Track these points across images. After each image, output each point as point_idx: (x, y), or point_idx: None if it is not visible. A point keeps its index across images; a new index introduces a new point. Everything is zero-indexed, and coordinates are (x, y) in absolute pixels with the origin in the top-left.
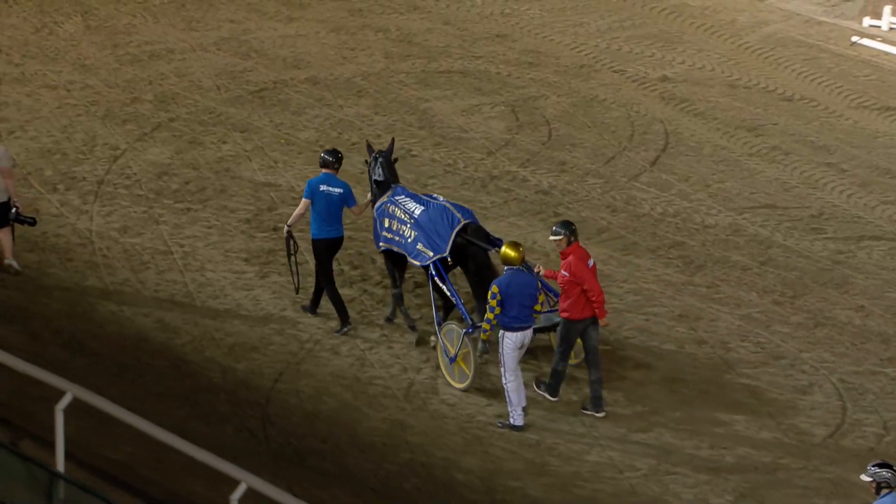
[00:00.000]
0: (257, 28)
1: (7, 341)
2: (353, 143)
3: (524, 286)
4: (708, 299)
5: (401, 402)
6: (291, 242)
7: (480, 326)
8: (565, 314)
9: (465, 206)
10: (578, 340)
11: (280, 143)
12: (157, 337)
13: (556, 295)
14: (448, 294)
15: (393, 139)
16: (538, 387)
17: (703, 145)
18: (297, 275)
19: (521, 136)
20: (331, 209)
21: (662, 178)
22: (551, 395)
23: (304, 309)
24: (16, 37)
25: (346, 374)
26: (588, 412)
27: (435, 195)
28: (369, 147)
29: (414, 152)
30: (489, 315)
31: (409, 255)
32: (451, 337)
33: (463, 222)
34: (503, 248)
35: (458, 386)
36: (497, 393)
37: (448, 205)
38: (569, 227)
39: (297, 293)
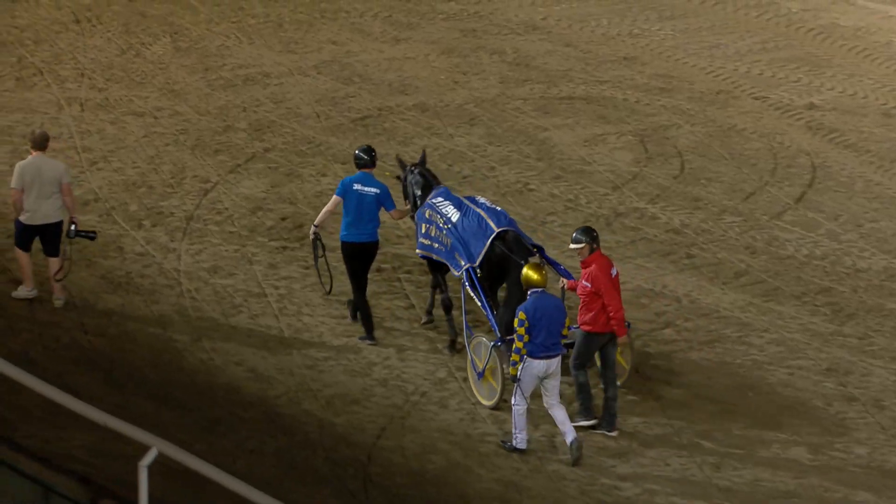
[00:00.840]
0: (361, 50)
1: (88, 391)
2: (465, 177)
3: (551, 310)
4: (859, 352)
5: (515, 461)
6: (318, 244)
7: (509, 352)
8: (586, 327)
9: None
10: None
11: (385, 176)
12: (249, 388)
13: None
14: (479, 305)
15: (424, 150)
16: (574, 419)
17: (855, 180)
18: (330, 276)
19: (650, 169)
20: (362, 210)
21: (808, 216)
22: (588, 419)
23: (361, 339)
24: (100, 59)
25: (454, 429)
26: (600, 431)
27: (478, 198)
28: (401, 162)
29: (531, 186)
30: (518, 344)
31: (448, 263)
32: (479, 351)
33: (496, 230)
34: (525, 271)
35: (486, 403)
36: (623, 453)
37: (483, 211)
38: (590, 235)
39: (328, 293)
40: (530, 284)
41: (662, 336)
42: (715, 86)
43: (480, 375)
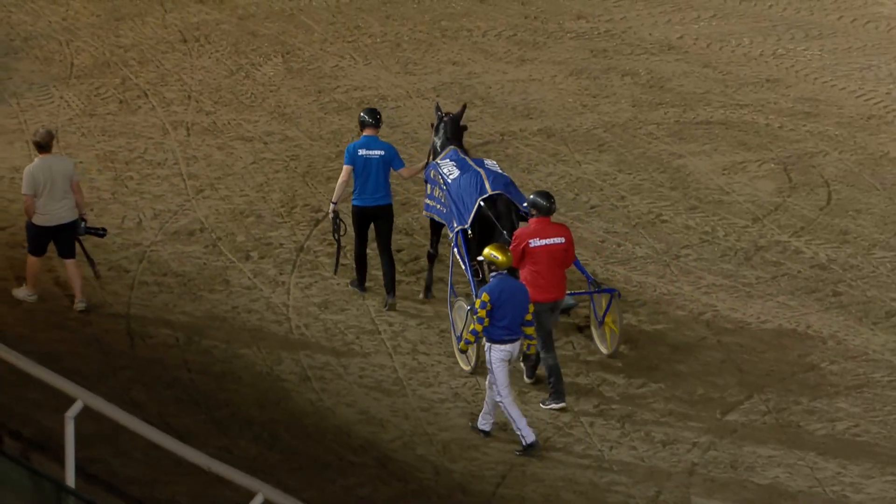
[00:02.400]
0: (483, 71)
1: (190, 432)
2: (593, 207)
3: (517, 293)
4: None
5: None
6: (339, 222)
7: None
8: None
9: (505, 175)
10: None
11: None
12: (361, 431)
13: (589, 277)
14: (464, 268)
15: (465, 105)
16: (543, 404)
17: None
18: (337, 257)
19: (793, 200)
20: (370, 174)
21: None
22: (558, 402)
23: (352, 284)
24: (207, 81)
25: (579, 478)
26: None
27: (487, 161)
28: (438, 108)
29: (664, 217)
30: (476, 326)
31: (447, 225)
32: (460, 314)
33: (489, 193)
34: (487, 250)
35: (465, 368)
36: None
37: (483, 172)
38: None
39: (335, 274)
40: (496, 265)
41: (805, 380)
42: (865, 110)
43: (459, 339)
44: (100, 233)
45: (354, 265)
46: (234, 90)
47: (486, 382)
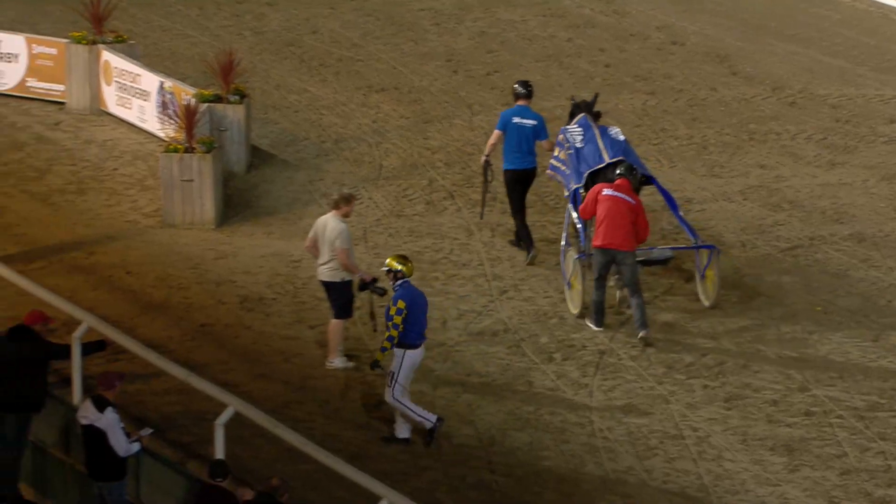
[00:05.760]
0: (792, 175)
1: None
2: None
3: (421, 298)
4: None
5: None
6: (488, 171)
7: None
8: None
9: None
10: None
11: (815, 311)
12: None
13: (691, 231)
14: (576, 224)
15: (597, 94)
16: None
17: None
18: (485, 203)
19: None
20: (522, 141)
21: None
22: (596, 326)
23: (512, 243)
24: None
25: None
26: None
27: (610, 128)
28: (573, 98)
29: None
30: (393, 332)
31: (565, 185)
32: (567, 263)
33: (607, 161)
34: (389, 260)
35: (573, 311)
36: None
37: (602, 140)
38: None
39: (481, 218)
40: (401, 273)
41: None
42: None
43: (568, 285)
44: (379, 291)
45: (515, 227)
46: (539, 192)
47: (394, 402)
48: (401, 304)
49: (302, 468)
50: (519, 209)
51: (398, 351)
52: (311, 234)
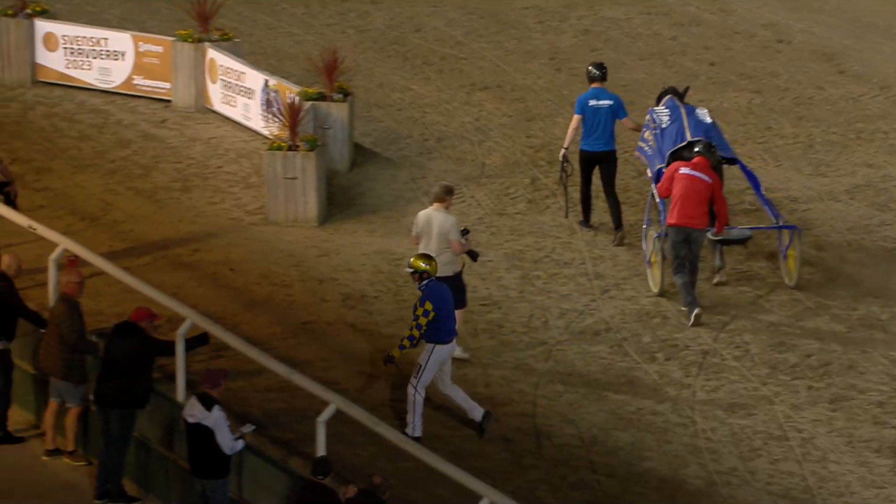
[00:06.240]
0: None
1: None
2: None
3: (448, 294)
4: None
5: None
6: (565, 165)
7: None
8: None
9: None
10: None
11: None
12: None
13: (774, 211)
14: (657, 201)
15: (688, 87)
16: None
17: None
18: (567, 200)
19: None
20: (598, 122)
21: None
22: (691, 310)
23: (580, 223)
24: (617, 182)
25: None
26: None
27: (698, 109)
28: (664, 85)
29: None
30: (415, 332)
31: (650, 166)
32: (648, 241)
33: (688, 140)
34: (413, 260)
35: (653, 290)
36: None
37: (687, 120)
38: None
39: (565, 217)
40: (427, 273)
41: None
42: None
43: (649, 263)
44: (473, 255)
45: (581, 206)
46: (642, 190)
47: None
48: (428, 305)
49: (403, 466)
50: (586, 180)
51: (428, 345)
52: (414, 231)
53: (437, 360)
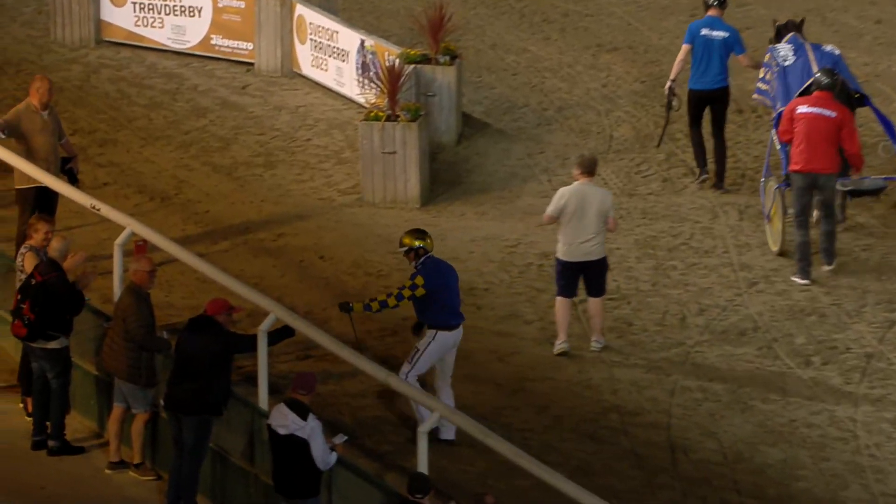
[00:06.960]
0: None
1: None
2: None
3: (451, 270)
4: None
5: None
6: (673, 99)
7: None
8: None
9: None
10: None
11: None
12: None
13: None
14: (778, 148)
15: (803, 18)
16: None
17: None
18: (664, 133)
19: None
20: (710, 55)
21: None
22: (802, 278)
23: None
24: (763, 156)
25: None
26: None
27: (825, 46)
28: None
29: None
30: (391, 301)
31: (773, 108)
32: (768, 193)
33: (816, 74)
34: (405, 239)
35: (773, 248)
36: None
37: (813, 55)
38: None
39: (658, 146)
40: (422, 250)
41: None
42: None
43: (767, 218)
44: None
45: (693, 150)
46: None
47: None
48: (419, 280)
49: (517, 483)
50: (695, 123)
51: (430, 330)
52: (556, 206)
53: (438, 348)
